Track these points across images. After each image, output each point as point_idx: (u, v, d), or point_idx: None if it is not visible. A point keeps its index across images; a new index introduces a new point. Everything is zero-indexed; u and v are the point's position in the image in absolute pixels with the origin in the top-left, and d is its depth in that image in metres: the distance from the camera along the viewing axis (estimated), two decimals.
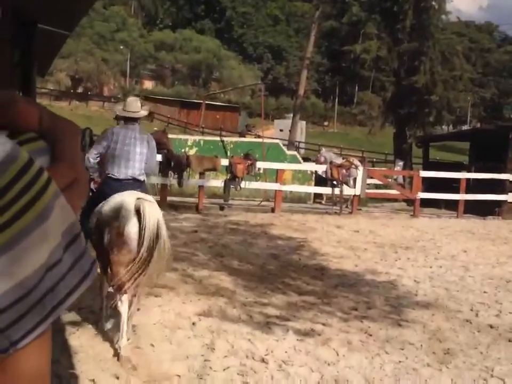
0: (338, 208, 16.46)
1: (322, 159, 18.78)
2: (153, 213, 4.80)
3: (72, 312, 5.88)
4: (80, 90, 61.06)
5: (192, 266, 8.48)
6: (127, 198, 4.94)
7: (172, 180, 15.06)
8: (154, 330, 5.60)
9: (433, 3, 22.68)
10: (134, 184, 5.50)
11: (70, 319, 5.68)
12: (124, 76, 65.84)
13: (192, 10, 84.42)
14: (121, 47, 66.96)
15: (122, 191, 5.13)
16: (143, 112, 5.84)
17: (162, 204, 14.44)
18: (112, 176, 5.56)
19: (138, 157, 5.62)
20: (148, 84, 72.27)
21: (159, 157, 14.89)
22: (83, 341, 5.20)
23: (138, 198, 4.90)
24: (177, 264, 8.50)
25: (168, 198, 14.95)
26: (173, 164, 14.79)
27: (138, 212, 4.78)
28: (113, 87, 63.41)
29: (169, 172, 14.93)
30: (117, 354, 4.85)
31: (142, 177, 5.68)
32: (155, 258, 4.71)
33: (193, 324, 5.89)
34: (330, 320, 6.34)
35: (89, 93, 59.62)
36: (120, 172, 5.56)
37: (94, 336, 5.34)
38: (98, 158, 5.73)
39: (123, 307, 4.84)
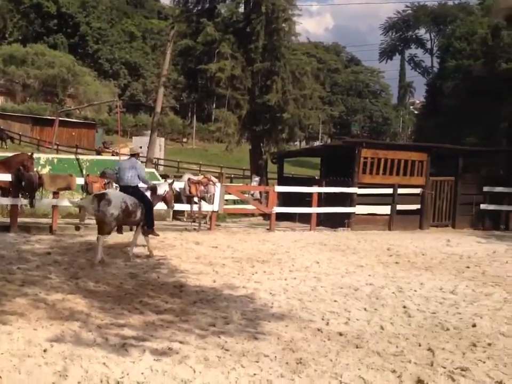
0: (197, 224, 16.57)
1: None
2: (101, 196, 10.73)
3: None
4: None
5: (45, 290, 8.15)
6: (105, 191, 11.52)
7: (23, 200, 14.38)
8: (2, 360, 5.31)
9: (284, 25, 23.67)
10: (128, 187, 11.19)
11: None
12: None
13: (43, 24, 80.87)
14: None
15: (122, 191, 11.20)
16: (134, 151, 12.04)
17: (12, 226, 13.77)
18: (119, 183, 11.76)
19: (128, 174, 11.20)
20: None
21: (8, 177, 14.19)
22: None
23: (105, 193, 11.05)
24: (28, 288, 8.14)
25: (20, 220, 14.27)
26: (24, 183, 14.13)
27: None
28: None
29: (20, 192, 14.26)
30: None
31: (133, 184, 11.24)
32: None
33: (45, 350, 5.65)
34: (188, 338, 6.37)
35: None
36: (122, 181, 11.43)
37: None
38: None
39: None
